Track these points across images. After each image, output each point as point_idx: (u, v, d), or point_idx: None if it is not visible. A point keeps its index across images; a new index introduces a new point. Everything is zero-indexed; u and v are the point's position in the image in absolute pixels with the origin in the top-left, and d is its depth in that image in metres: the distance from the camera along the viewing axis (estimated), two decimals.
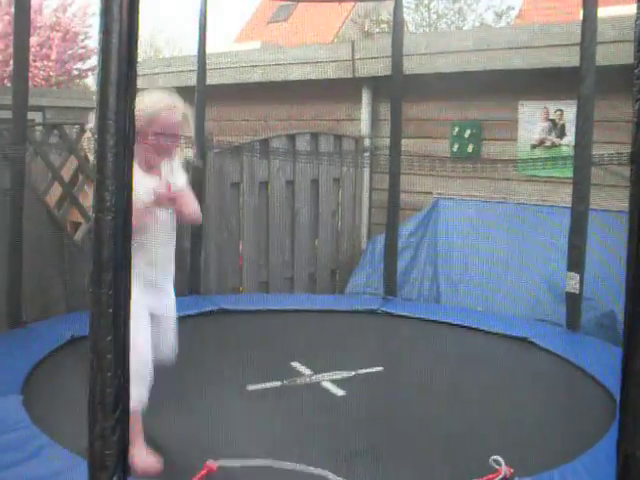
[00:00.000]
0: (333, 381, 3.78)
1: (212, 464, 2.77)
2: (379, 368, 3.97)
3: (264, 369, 3.83)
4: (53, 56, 16.86)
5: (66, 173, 5.44)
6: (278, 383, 3.74)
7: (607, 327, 4.97)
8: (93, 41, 17.53)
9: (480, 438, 3.18)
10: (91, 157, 4.87)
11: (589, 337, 4.73)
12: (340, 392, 3.67)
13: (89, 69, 17.82)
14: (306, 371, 3.89)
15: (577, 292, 4.76)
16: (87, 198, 5.45)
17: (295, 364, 3.99)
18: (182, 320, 4.83)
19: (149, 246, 3.27)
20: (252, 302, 5.45)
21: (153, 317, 3.24)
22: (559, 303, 5.00)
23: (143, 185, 2.81)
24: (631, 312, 1.90)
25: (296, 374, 3.87)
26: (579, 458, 2.86)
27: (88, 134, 5.10)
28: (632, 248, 1.87)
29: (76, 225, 5.60)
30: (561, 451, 3.00)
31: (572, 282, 4.76)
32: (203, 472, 2.74)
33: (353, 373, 3.91)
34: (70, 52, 17.47)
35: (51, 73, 16.94)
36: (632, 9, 1.87)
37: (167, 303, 3.46)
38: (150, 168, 3.11)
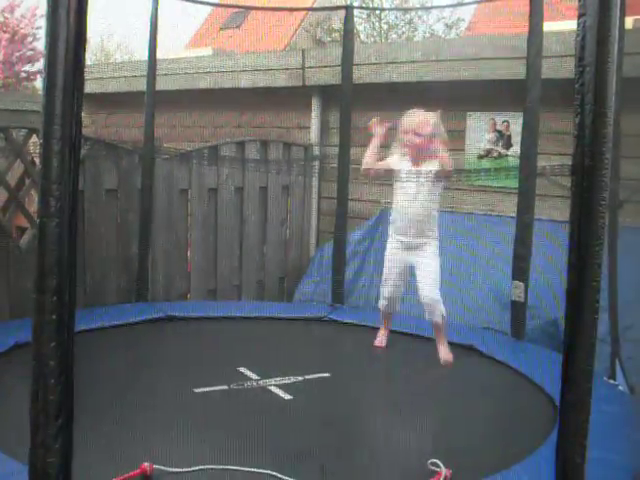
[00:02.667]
0: (280, 386, 3.78)
1: (146, 466, 2.74)
2: (326, 374, 3.98)
3: (211, 373, 3.82)
4: (0, 58, 16.58)
5: (12, 177, 5.36)
6: (225, 386, 3.73)
7: (551, 335, 5.05)
8: (42, 43, 17.19)
9: (422, 444, 3.21)
10: (38, 161, 4.82)
11: (533, 345, 4.80)
12: (287, 396, 3.67)
13: (38, 71, 17.53)
14: (253, 376, 3.88)
15: (522, 300, 4.84)
16: (33, 203, 5.37)
17: (242, 369, 3.98)
18: (129, 327, 4.84)
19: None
20: (200, 309, 5.42)
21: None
22: (504, 311, 5.06)
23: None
24: (570, 320, 1.94)
25: (243, 378, 3.86)
26: (520, 463, 2.90)
27: (35, 138, 5.05)
28: (572, 257, 1.92)
29: (22, 230, 5.52)
30: (502, 457, 3.03)
31: (517, 290, 4.83)
32: (134, 472, 2.71)
33: (300, 379, 3.92)
34: (18, 54, 17.19)
35: None
36: (575, 24, 1.92)
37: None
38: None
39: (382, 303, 4.57)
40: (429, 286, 4.28)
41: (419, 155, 4.20)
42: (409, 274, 4.44)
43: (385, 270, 4.51)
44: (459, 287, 5.63)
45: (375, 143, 4.39)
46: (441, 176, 4.20)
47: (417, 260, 4.32)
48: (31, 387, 1.75)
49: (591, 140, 1.86)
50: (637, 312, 4.60)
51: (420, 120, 4.18)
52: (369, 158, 4.39)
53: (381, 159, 4.43)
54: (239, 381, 3.80)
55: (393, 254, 4.44)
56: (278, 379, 3.86)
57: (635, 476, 2.89)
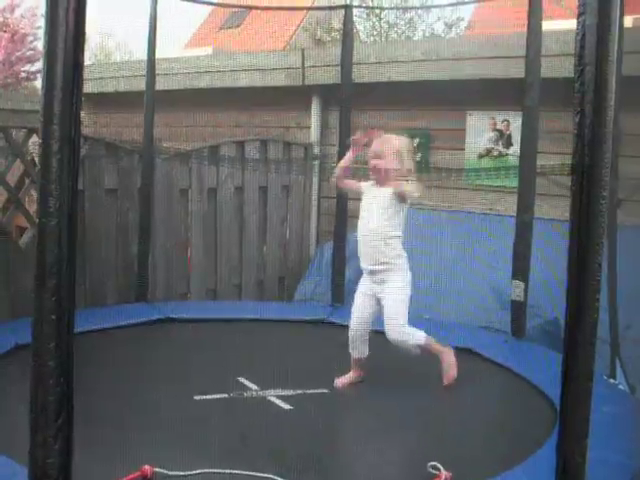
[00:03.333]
0: (279, 397, 3.77)
1: (147, 468, 2.74)
2: (325, 390, 3.97)
3: (211, 382, 3.80)
4: (0, 57, 16.57)
5: (12, 177, 5.36)
6: (225, 395, 3.71)
7: (551, 334, 5.05)
8: (42, 43, 17.24)
9: (422, 447, 3.20)
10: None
11: (533, 344, 4.80)
12: (287, 406, 3.65)
13: (38, 71, 17.52)
14: (253, 386, 3.87)
15: (522, 300, 4.84)
16: (33, 203, 5.37)
17: (242, 379, 3.96)
18: (128, 329, 4.83)
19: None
20: (199, 310, 5.42)
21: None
22: (504, 310, 5.06)
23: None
24: (571, 319, 1.94)
25: (243, 388, 3.85)
26: (520, 465, 2.90)
27: (35, 138, 5.04)
28: (572, 256, 1.92)
29: (22, 230, 5.52)
30: (502, 458, 3.03)
31: (517, 290, 4.83)
32: (135, 474, 2.71)
33: (300, 391, 3.90)
34: (18, 54, 17.18)
35: None
36: (574, 24, 1.92)
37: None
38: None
39: (350, 341, 4.14)
40: (392, 325, 3.94)
41: (382, 179, 4.02)
42: (375, 307, 4.10)
43: (354, 307, 4.17)
44: (459, 286, 5.63)
45: (349, 155, 4.28)
46: (396, 200, 3.96)
47: (381, 295, 4.03)
48: (31, 387, 1.75)
49: (591, 139, 1.86)
50: (637, 311, 4.60)
51: (384, 144, 4.06)
52: (338, 167, 4.34)
53: (355, 176, 4.37)
54: (239, 390, 3.79)
55: (361, 288, 4.14)
56: (278, 390, 3.85)
57: (635, 475, 2.88)
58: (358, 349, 4.08)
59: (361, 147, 4.20)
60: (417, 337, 3.96)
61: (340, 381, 4.04)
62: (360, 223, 4.09)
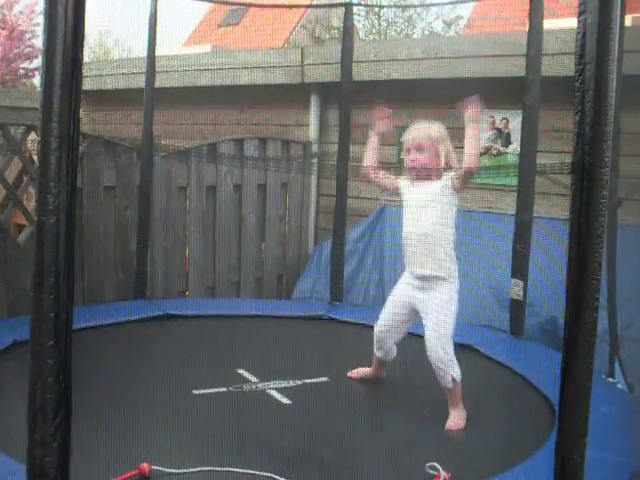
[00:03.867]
0: (279, 389, 3.77)
1: (145, 466, 2.74)
2: (324, 378, 3.97)
3: (210, 375, 3.80)
4: None
5: (10, 175, 5.35)
6: (224, 389, 3.72)
7: (550, 333, 5.05)
8: (40, 40, 17.20)
9: (421, 447, 3.20)
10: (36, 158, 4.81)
11: (532, 343, 4.80)
12: (286, 400, 3.66)
13: (36, 68, 17.51)
14: (252, 378, 3.87)
15: (521, 298, 4.84)
16: (31, 200, 5.37)
17: (241, 371, 3.97)
18: (127, 325, 4.83)
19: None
20: (198, 307, 5.41)
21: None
22: (503, 309, 5.06)
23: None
24: (570, 318, 1.94)
25: (242, 381, 3.85)
26: (519, 465, 2.90)
27: (33, 135, 5.04)
28: (572, 255, 1.92)
29: (20, 227, 5.51)
30: (501, 458, 3.03)
31: (516, 289, 4.83)
32: (133, 472, 2.71)
33: (299, 382, 3.90)
34: (16, 51, 17.16)
35: None
36: (575, 22, 1.91)
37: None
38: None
39: (375, 340, 3.85)
40: (435, 341, 3.47)
41: (424, 176, 3.60)
42: (412, 318, 3.72)
43: (386, 305, 3.80)
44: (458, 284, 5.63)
45: (374, 138, 3.90)
46: (450, 191, 3.53)
47: (425, 304, 3.55)
48: (29, 385, 1.75)
49: (591, 138, 1.85)
50: (636, 310, 4.60)
51: (419, 136, 3.67)
52: (367, 156, 3.88)
53: (389, 172, 3.92)
54: (238, 384, 3.79)
55: (399, 288, 3.72)
56: (277, 382, 3.85)
57: (634, 475, 2.88)
58: (382, 350, 3.82)
59: (385, 126, 3.90)
60: (456, 372, 3.49)
61: (352, 373, 3.97)
62: (407, 226, 3.62)
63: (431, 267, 3.53)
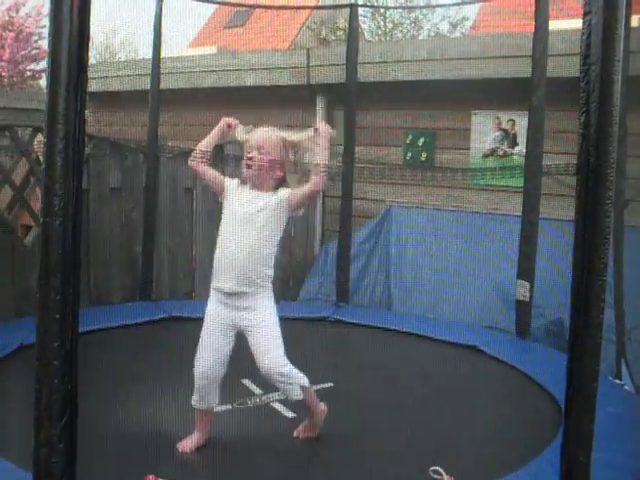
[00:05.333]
0: (283, 401, 3.74)
1: (151, 478, 2.73)
2: (329, 384, 3.96)
3: None
4: (6, 56, 16.60)
5: (17, 176, 5.36)
6: (229, 406, 3.67)
7: (556, 334, 5.04)
8: (47, 42, 17.26)
9: (428, 447, 3.20)
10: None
11: (538, 344, 4.79)
12: (290, 414, 3.63)
13: (43, 70, 17.54)
14: (256, 390, 3.86)
15: (527, 300, 4.83)
16: (39, 201, 5.37)
17: (246, 381, 3.95)
18: (133, 328, 4.83)
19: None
20: (204, 309, 5.39)
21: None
22: (509, 310, 5.06)
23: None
24: (576, 319, 1.93)
25: (246, 393, 3.83)
26: (525, 466, 2.89)
27: (40, 137, 5.04)
28: (578, 256, 1.91)
29: (27, 228, 5.52)
30: (506, 459, 3.03)
31: (522, 290, 4.82)
32: None
33: None
34: (23, 53, 17.21)
35: (3, 74, 16.68)
36: (580, 23, 1.91)
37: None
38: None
39: (194, 391, 3.26)
40: (270, 358, 3.16)
41: (261, 180, 3.26)
42: (233, 342, 3.29)
43: (200, 342, 3.33)
44: (464, 286, 5.63)
45: (214, 132, 3.46)
46: (284, 209, 3.21)
47: (247, 323, 3.21)
48: (35, 387, 1.75)
49: (596, 139, 1.85)
50: None
51: (267, 136, 3.34)
52: (199, 148, 3.42)
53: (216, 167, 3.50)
54: (242, 395, 3.77)
55: (214, 313, 3.30)
56: (280, 393, 3.83)
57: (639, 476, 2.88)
58: (209, 397, 3.26)
59: (228, 129, 3.44)
60: (301, 378, 3.24)
61: (182, 444, 3.24)
62: (225, 232, 3.23)
63: (250, 283, 3.19)
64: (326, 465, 3.03)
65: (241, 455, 3.16)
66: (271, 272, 3.27)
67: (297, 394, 3.20)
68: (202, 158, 3.38)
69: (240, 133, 3.41)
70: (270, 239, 3.20)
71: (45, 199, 1.71)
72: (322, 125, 3.30)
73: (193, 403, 3.23)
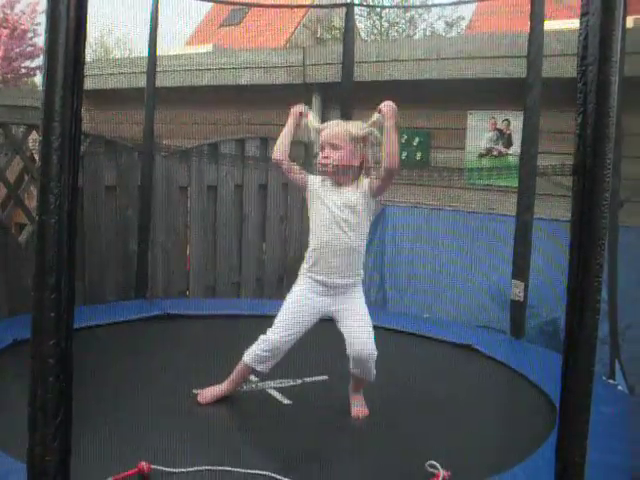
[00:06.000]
0: (279, 389, 3.77)
1: (144, 465, 2.73)
2: (324, 377, 3.97)
3: (210, 374, 3.78)
4: (0, 53, 16.57)
5: (11, 173, 5.35)
6: None
7: (550, 334, 5.05)
8: (42, 39, 17.19)
9: (421, 445, 3.20)
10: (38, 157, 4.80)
11: (532, 344, 4.80)
12: (286, 401, 3.65)
13: (37, 67, 17.53)
14: (252, 378, 3.87)
15: (521, 300, 4.83)
16: (33, 199, 5.36)
17: None
18: (128, 325, 4.82)
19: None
20: (198, 307, 5.41)
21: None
22: (504, 310, 5.06)
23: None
24: (572, 320, 1.93)
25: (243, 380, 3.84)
26: (519, 465, 2.90)
27: (34, 134, 5.04)
28: (573, 256, 1.91)
29: (21, 226, 5.51)
30: (501, 458, 3.03)
31: (517, 290, 4.83)
32: (132, 471, 2.70)
33: (299, 381, 3.90)
34: (18, 50, 17.19)
35: None
36: (577, 23, 1.91)
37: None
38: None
39: (257, 353, 3.45)
40: (366, 338, 3.38)
41: (339, 177, 3.35)
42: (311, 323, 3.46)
43: (283, 315, 3.46)
44: (458, 286, 5.64)
45: (289, 123, 3.51)
46: (369, 199, 3.35)
47: (343, 307, 3.39)
48: (30, 385, 1.74)
49: (593, 140, 1.85)
50: (637, 312, 4.60)
51: (337, 131, 3.34)
52: (280, 142, 3.49)
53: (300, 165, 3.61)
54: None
55: (303, 298, 3.44)
56: (277, 381, 3.85)
57: (635, 477, 2.88)
58: (267, 364, 3.45)
59: (300, 117, 3.50)
60: None
61: (202, 397, 3.54)
62: (321, 228, 3.40)
63: (350, 276, 3.41)
64: (322, 459, 3.03)
65: (236, 440, 3.17)
66: (363, 259, 3.47)
67: (374, 375, 3.46)
68: (285, 152, 3.48)
69: (313, 121, 3.49)
70: (363, 233, 3.40)
71: (41, 197, 1.71)
72: (385, 106, 3.29)
73: (247, 359, 3.44)
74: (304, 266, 3.55)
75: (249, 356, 3.45)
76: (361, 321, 3.43)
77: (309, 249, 3.52)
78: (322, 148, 3.37)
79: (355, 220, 3.33)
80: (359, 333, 3.39)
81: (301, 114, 3.49)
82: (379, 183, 3.31)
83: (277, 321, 3.46)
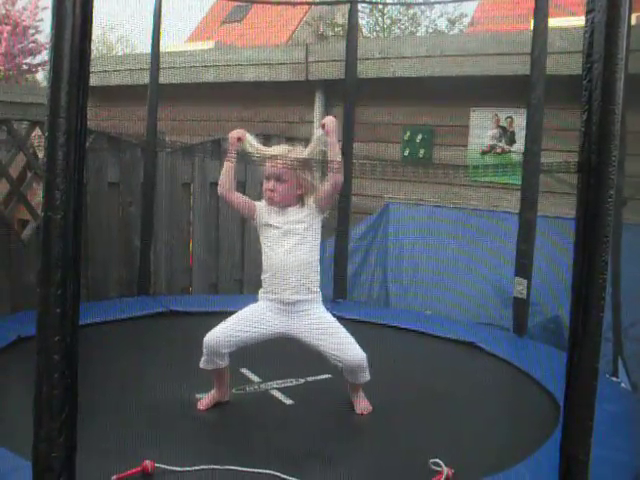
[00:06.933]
0: (281, 389, 3.77)
1: (148, 463, 2.73)
2: (327, 375, 3.97)
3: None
4: (2, 50, 16.57)
5: (14, 170, 5.35)
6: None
7: (553, 332, 5.05)
8: (44, 36, 17.26)
9: (424, 443, 3.20)
10: (40, 154, 4.80)
11: (535, 342, 4.80)
12: (289, 401, 3.65)
13: (39, 64, 17.52)
14: (255, 378, 3.87)
15: (524, 297, 4.83)
16: (35, 195, 5.37)
17: (244, 370, 3.96)
18: (131, 321, 4.83)
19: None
20: (201, 303, 5.41)
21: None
22: (506, 308, 5.06)
23: None
24: (576, 317, 1.94)
25: (245, 381, 3.84)
26: (522, 462, 2.89)
27: (37, 131, 5.04)
28: (578, 254, 1.91)
29: (24, 223, 5.51)
30: (504, 455, 3.03)
31: (519, 287, 4.82)
32: (137, 469, 2.71)
33: (302, 381, 3.90)
34: (20, 46, 17.17)
35: (0, 67, 16.65)
36: (581, 21, 1.91)
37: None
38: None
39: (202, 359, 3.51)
40: (349, 345, 3.42)
41: (287, 202, 3.42)
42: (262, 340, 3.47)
43: (228, 319, 3.47)
44: (461, 283, 5.64)
45: (229, 152, 3.56)
46: (317, 216, 3.44)
47: (308, 325, 3.39)
48: (35, 381, 1.75)
49: (598, 137, 1.85)
50: None
51: (283, 164, 3.39)
52: (223, 176, 3.54)
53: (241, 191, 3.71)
54: (241, 384, 3.77)
55: (256, 311, 3.45)
56: (279, 382, 3.85)
57: (638, 474, 2.88)
58: (217, 361, 3.46)
59: (239, 142, 3.48)
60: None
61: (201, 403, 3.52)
62: (270, 247, 3.42)
63: (305, 292, 3.41)
64: (325, 458, 3.03)
65: (239, 440, 3.17)
66: (319, 277, 3.47)
67: (367, 376, 3.49)
68: (231, 186, 3.54)
69: (250, 143, 3.47)
70: (313, 247, 3.43)
71: (46, 193, 1.71)
72: (327, 121, 3.38)
73: (201, 365, 3.46)
74: (260, 291, 3.50)
75: (201, 361, 3.49)
76: (336, 331, 3.45)
77: (263, 273, 3.49)
78: (267, 178, 3.44)
79: (303, 235, 3.40)
80: (340, 344, 3.41)
81: (239, 139, 3.47)
82: (324, 201, 3.43)
83: (227, 320, 3.46)
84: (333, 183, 3.39)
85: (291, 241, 3.39)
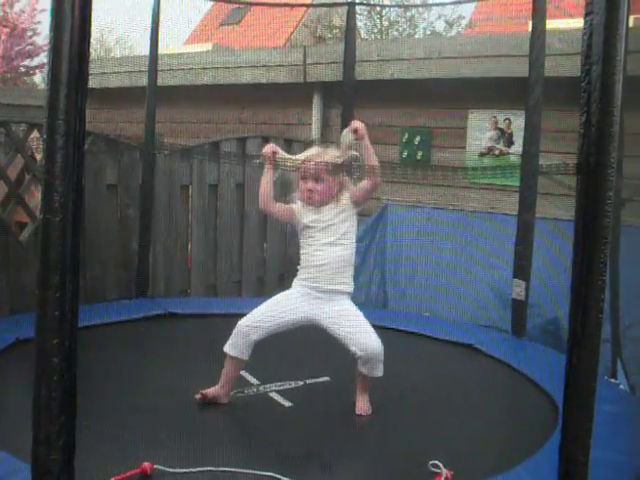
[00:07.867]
0: (280, 392, 3.76)
1: (147, 465, 2.73)
2: (326, 378, 3.96)
3: (211, 377, 3.78)
4: (0, 52, 16.56)
5: (12, 172, 5.34)
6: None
7: (551, 333, 5.05)
8: (42, 38, 17.25)
9: (423, 445, 3.20)
10: (39, 156, 4.80)
11: (533, 343, 4.80)
12: (287, 403, 3.64)
13: (37, 66, 17.51)
14: (254, 380, 3.86)
15: (523, 299, 4.83)
16: (33, 198, 5.36)
17: (242, 372, 3.95)
18: (129, 323, 4.82)
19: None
20: (200, 305, 5.41)
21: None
22: (505, 309, 5.06)
23: None
24: (575, 319, 1.93)
25: (244, 383, 3.83)
26: (521, 464, 2.89)
27: (35, 133, 5.03)
28: (577, 256, 1.91)
29: (22, 225, 5.50)
30: (503, 457, 3.03)
31: (518, 289, 4.83)
32: (135, 471, 2.71)
33: (300, 383, 3.90)
34: (18, 48, 17.16)
35: None
36: (579, 22, 1.91)
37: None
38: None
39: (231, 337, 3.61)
40: (370, 332, 3.49)
41: (325, 202, 3.54)
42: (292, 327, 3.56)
43: (260, 306, 3.62)
44: (460, 285, 5.64)
45: (266, 171, 3.66)
46: (352, 211, 3.57)
47: (335, 311, 3.50)
48: (34, 384, 1.74)
49: (597, 139, 1.85)
50: (638, 311, 4.60)
51: (320, 163, 3.50)
52: (263, 193, 3.68)
53: (285, 201, 3.73)
54: (240, 386, 3.77)
55: (287, 298, 3.59)
56: (278, 384, 3.84)
57: (637, 475, 2.88)
58: (243, 348, 3.54)
59: (274, 155, 3.61)
60: None
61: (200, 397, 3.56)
62: (312, 241, 3.55)
63: (339, 283, 3.55)
64: (324, 460, 3.02)
65: (238, 442, 3.17)
66: (353, 270, 3.63)
67: (380, 372, 3.54)
68: (270, 200, 3.68)
69: (284, 154, 3.66)
70: (351, 242, 3.58)
71: (45, 196, 1.70)
72: (359, 125, 3.49)
73: (225, 348, 3.55)
74: (295, 279, 3.67)
75: (226, 344, 3.58)
76: (360, 320, 3.53)
77: (301, 264, 3.65)
78: (304, 178, 3.55)
79: (340, 231, 3.53)
80: (361, 329, 3.50)
81: (274, 153, 3.61)
82: (360, 198, 3.56)
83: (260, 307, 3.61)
84: (373, 184, 3.51)
85: (329, 238, 3.51)
